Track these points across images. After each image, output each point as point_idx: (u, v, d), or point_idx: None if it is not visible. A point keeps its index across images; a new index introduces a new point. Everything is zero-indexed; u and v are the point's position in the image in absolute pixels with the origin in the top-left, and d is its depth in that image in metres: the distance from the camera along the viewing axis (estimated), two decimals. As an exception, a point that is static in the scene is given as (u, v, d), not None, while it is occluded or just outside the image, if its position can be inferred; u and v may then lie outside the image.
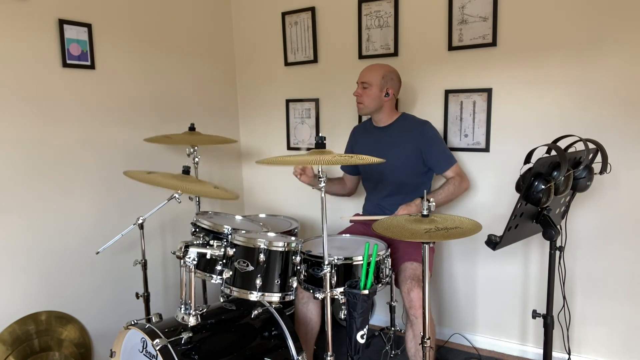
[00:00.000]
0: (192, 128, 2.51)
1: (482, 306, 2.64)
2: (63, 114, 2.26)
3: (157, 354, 1.66)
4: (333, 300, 1.74)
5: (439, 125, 2.57)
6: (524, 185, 1.64)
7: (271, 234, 2.05)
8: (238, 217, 2.35)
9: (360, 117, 2.83)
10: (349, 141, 2.59)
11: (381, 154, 2.27)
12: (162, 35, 2.72)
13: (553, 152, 1.72)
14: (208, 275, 1.93)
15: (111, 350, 1.93)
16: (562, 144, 1.77)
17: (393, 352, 2.53)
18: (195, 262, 1.73)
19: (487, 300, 2.62)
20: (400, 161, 2.30)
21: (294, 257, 1.88)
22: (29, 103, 2.13)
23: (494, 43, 2.38)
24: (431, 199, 1.72)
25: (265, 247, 1.83)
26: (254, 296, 1.83)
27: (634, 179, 2.19)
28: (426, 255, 1.64)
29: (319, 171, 1.64)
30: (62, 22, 2.21)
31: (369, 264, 1.72)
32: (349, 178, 2.65)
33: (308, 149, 2.88)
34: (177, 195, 2.09)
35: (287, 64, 3.06)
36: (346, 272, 1.83)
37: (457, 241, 2.67)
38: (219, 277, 1.90)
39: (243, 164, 3.38)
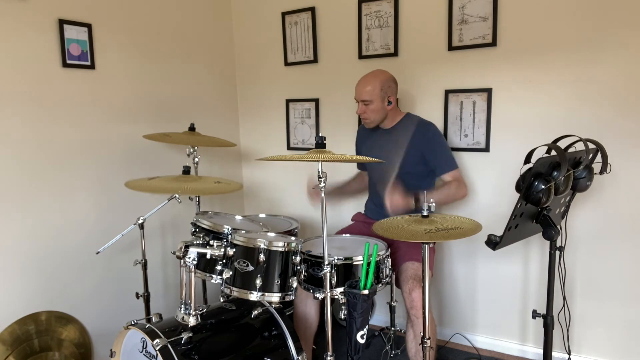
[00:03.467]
0: (192, 128, 2.51)
1: (482, 306, 2.64)
2: (63, 114, 2.26)
3: (157, 354, 1.66)
4: (333, 300, 1.74)
5: (439, 125, 2.57)
6: (524, 185, 1.64)
7: (271, 234, 2.05)
8: (238, 217, 2.35)
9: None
10: (356, 141, 2.62)
11: (384, 154, 2.28)
12: (162, 35, 2.72)
13: (553, 152, 1.72)
14: (208, 275, 1.92)
15: (111, 350, 1.93)
16: (562, 144, 1.77)
17: (393, 352, 2.53)
18: (195, 262, 1.73)
19: (487, 300, 2.62)
20: (403, 161, 2.30)
21: (294, 257, 1.88)
22: (29, 103, 2.13)
23: (494, 43, 2.38)
24: (432, 200, 1.72)
25: (265, 247, 1.83)
26: (254, 296, 1.83)
27: (634, 179, 2.19)
28: (426, 256, 1.64)
29: (319, 171, 1.63)
30: (62, 22, 2.21)
31: (369, 264, 1.72)
32: (365, 174, 2.65)
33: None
34: (177, 196, 2.09)
35: (287, 64, 3.06)
36: (346, 272, 1.83)
37: (458, 241, 2.67)
38: (219, 277, 1.90)
39: (243, 164, 3.38)
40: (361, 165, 2.66)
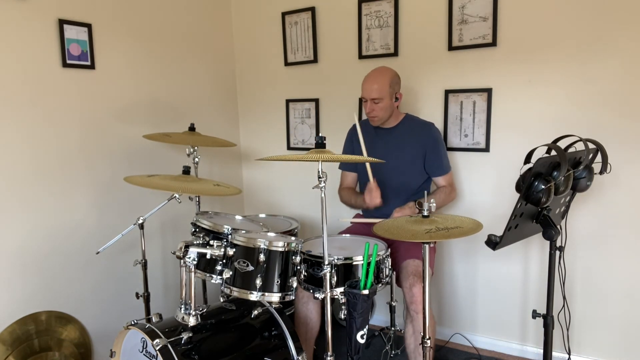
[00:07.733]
0: (192, 128, 2.51)
1: (482, 306, 2.64)
2: (63, 114, 2.25)
3: (157, 354, 1.66)
4: (333, 300, 1.74)
5: (439, 126, 2.57)
6: (524, 185, 1.64)
7: (271, 234, 2.05)
8: (238, 217, 2.35)
9: (360, 119, 2.83)
10: (348, 141, 2.55)
11: (387, 155, 2.27)
12: (162, 35, 2.72)
13: (553, 152, 1.72)
14: (208, 275, 1.93)
15: (111, 350, 1.93)
16: (562, 144, 1.77)
17: (393, 352, 2.53)
18: (195, 262, 1.73)
19: (487, 300, 2.62)
20: (406, 162, 2.30)
21: (294, 257, 1.88)
22: (29, 103, 2.13)
23: (494, 43, 2.38)
24: (432, 200, 1.72)
25: (265, 247, 1.83)
26: (254, 296, 1.83)
27: (634, 179, 2.19)
28: (427, 255, 1.64)
29: (319, 171, 1.62)
30: (62, 22, 2.21)
31: (369, 264, 1.72)
32: (353, 176, 2.58)
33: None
34: (177, 195, 2.09)
35: (287, 64, 3.06)
36: (346, 272, 1.83)
37: (458, 241, 2.67)
38: (219, 277, 1.90)
39: (243, 163, 3.38)
40: (352, 167, 2.54)
